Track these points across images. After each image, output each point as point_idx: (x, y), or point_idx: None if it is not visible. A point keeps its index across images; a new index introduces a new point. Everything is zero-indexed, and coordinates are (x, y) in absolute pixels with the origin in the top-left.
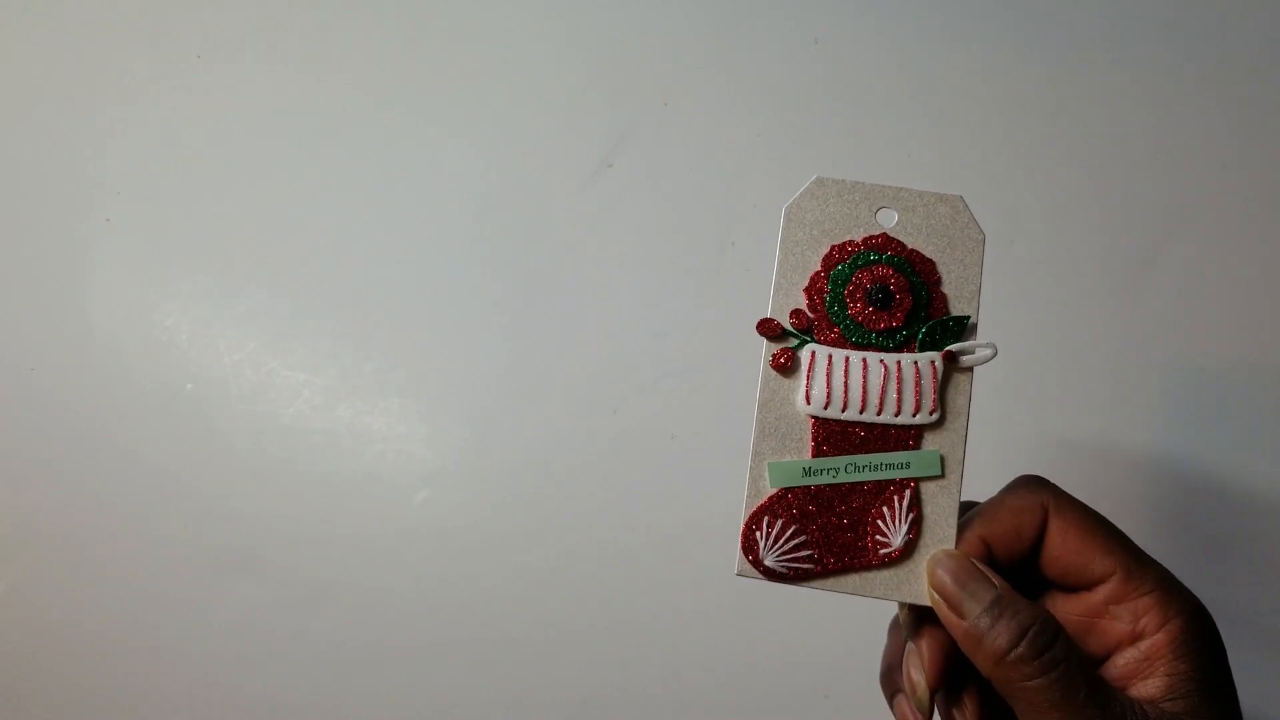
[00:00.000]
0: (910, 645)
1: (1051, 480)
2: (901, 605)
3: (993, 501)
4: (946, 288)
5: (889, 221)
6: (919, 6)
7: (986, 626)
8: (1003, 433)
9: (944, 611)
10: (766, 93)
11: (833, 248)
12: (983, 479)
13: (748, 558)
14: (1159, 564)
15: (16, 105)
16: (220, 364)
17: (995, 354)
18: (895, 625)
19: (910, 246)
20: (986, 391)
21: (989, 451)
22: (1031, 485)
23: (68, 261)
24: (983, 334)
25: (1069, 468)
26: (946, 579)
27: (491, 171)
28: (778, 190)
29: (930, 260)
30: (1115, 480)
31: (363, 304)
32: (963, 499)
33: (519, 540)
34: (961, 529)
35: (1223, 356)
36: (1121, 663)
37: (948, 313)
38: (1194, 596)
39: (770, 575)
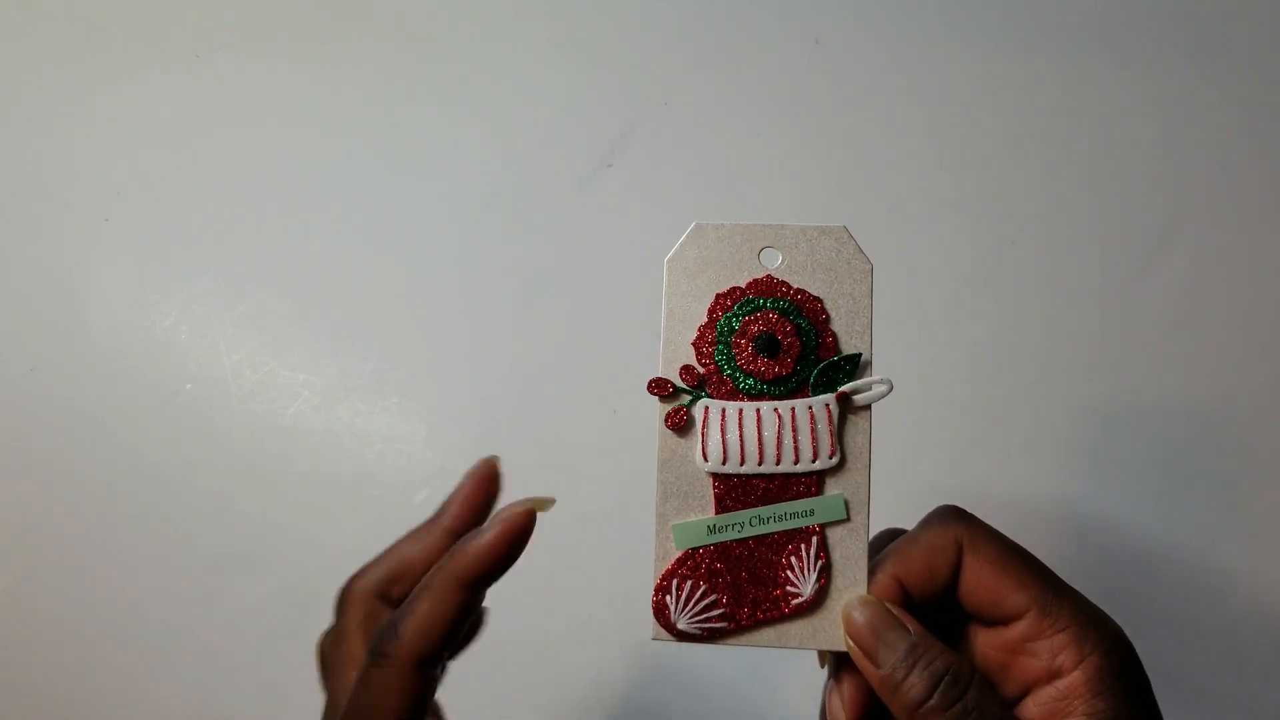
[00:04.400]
0: (831, 683)
1: (970, 510)
2: (821, 652)
3: (908, 537)
4: (836, 325)
5: (773, 262)
6: (919, 6)
7: (901, 676)
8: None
9: (860, 660)
10: (766, 93)
11: (717, 297)
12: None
13: (660, 622)
14: (1078, 595)
15: (17, 105)
16: (220, 364)
17: (890, 390)
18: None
19: (796, 286)
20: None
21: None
22: (948, 519)
23: (68, 261)
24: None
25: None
26: (862, 627)
27: (491, 171)
28: (778, 190)
29: (817, 298)
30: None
31: (363, 304)
32: (892, 526)
33: None
34: (875, 568)
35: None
36: (1039, 702)
37: (839, 351)
38: (1114, 628)
39: (684, 638)
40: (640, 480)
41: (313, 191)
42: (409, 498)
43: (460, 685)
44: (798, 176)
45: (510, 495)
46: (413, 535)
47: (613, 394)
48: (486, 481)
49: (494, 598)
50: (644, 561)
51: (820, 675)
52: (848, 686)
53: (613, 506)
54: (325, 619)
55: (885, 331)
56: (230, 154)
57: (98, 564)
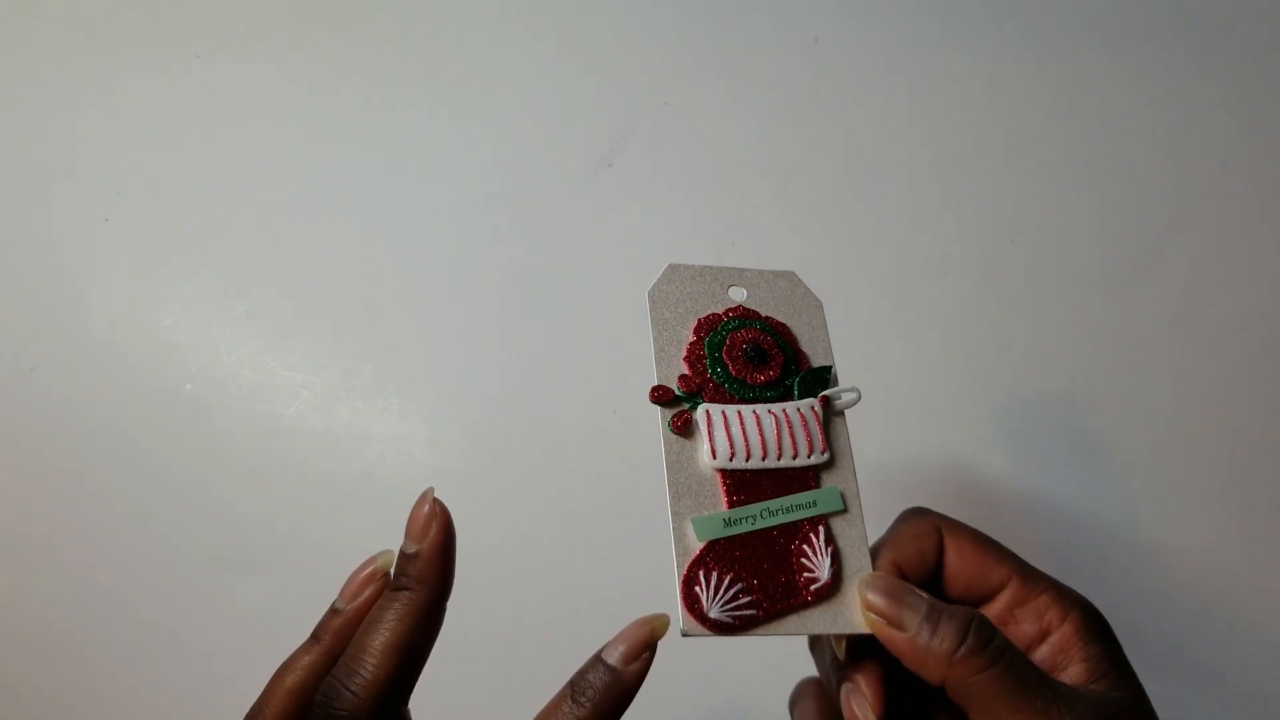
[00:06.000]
0: (847, 686)
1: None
2: (837, 641)
3: (891, 531)
4: (804, 346)
5: (740, 297)
6: (919, 6)
7: (930, 633)
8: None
9: (884, 630)
10: (766, 93)
11: (700, 320)
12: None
13: (692, 613)
14: (1043, 571)
15: (17, 105)
16: (220, 364)
17: (859, 397)
18: (801, 696)
19: (765, 314)
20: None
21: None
22: (920, 513)
23: (68, 261)
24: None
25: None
26: (880, 599)
27: (492, 171)
28: (778, 190)
29: (784, 324)
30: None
31: (363, 304)
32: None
33: (519, 540)
34: (874, 555)
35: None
36: (1038, 659)
37: (811, 365)
38: (1081, 594)
39: (717, 628)
40: (640, 480)
41: (313, 192)
42: (409, 498)
43: (455, 687)
44: (798, 176)
45: (506, 494)
46: (319, 635)
47: (612, 394)
48: (371, 565)
49: (497, 596)
50: (646, 560)
51: (792, 677)
52: (866, 679)
53: (613, 506)
54: None
55: (881, 331)
56: (230, 154)
57: (98, 564)
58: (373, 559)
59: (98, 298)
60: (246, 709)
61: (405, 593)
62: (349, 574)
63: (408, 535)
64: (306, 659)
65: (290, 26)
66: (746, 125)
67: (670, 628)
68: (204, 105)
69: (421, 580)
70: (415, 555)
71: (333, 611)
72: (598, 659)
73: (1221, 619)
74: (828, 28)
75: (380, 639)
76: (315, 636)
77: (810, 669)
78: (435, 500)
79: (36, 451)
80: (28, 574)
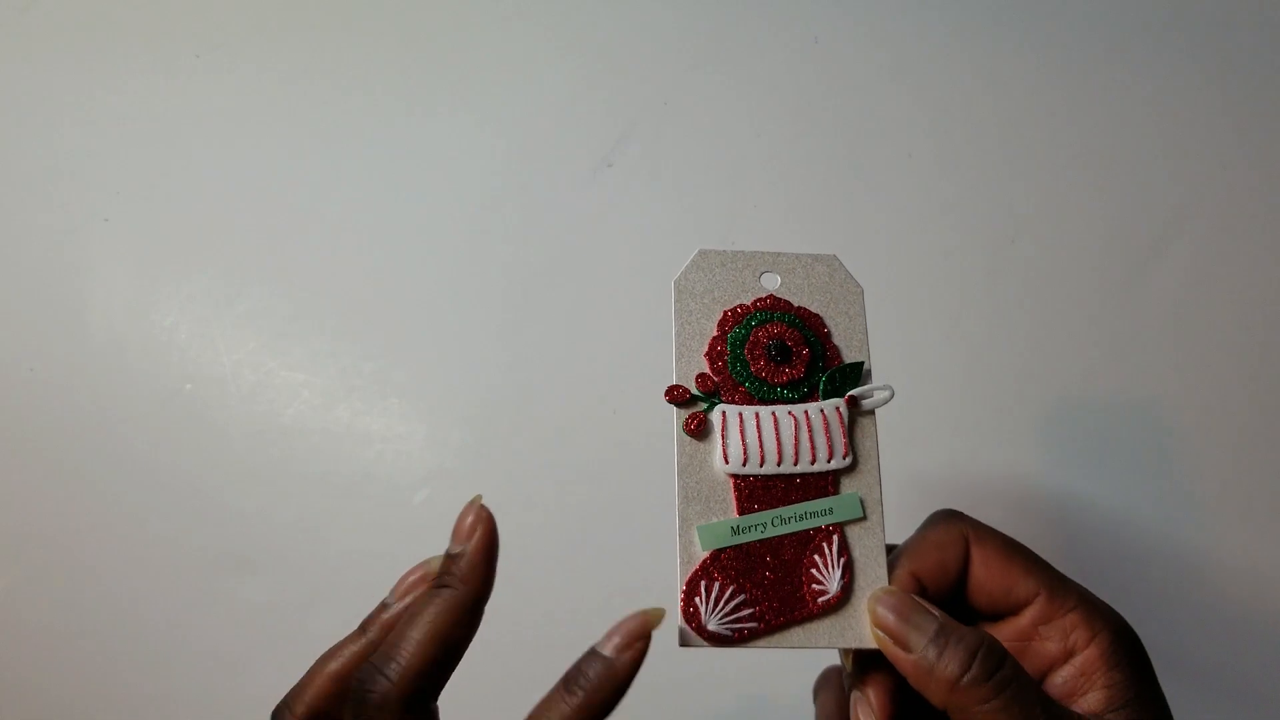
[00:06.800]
0: (856, 694)
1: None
2: (845, 653)
3: (915, 538)
4: (837, 339)
5: (773, 284)
6: (919, 6)
7: (935, 656)
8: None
9: (890, 648)
10: (766, 93)
11: (726, 312)
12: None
13: (691, 626)
14: (1077, 583)
15: (17, 105)
16: (220, 364)
17: (892, 395)
18: (824, 685)
19: (797, 304)
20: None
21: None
22: (949, 518)
23: (68, 261)
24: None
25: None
26: (889, 616)
27: (491, 171)
28: (778, 190)
29: (817, 315)
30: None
31: (363, 304)
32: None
33: (518, 540)
34: (890, 568)
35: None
36: (1059, 681)
37: (842, 361)
38: (1115, 611)
39: (716, 640)
40: (640, 480)
41: (312, 192)
42: (409, 498)
43: (454, 686)
44: (797, 176)
45: (506, 494)
46: (348, 642)
47: (612, 394)
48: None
49: (496, 596)
50: (646, 560)
51: (811, 675)
52: (874, 691)
53: (613, 506)
54: (324, 619)
55: (885, 332)
56: (230, 154)
57: (98, 564)
58: (426, 562)
59: (98, 298)
60: (246, 709)
61: (447, 590)
62: (355, 573)
63: (454, 537)
64: (351, 648)
65: (290, 26)
66: (746, 125)
67: (670, 631)
68: (204, 105)
69: (464, 579)
70: (459, 555)
71: (382, 606)
72: (592, 651)
73: (1226, 623)
74: (828, 28)
75: (419, 630)
76: (362, 628)
77: (832, 658)
78: (482, 506)
79: (36, 451)
80: (28, 574)
